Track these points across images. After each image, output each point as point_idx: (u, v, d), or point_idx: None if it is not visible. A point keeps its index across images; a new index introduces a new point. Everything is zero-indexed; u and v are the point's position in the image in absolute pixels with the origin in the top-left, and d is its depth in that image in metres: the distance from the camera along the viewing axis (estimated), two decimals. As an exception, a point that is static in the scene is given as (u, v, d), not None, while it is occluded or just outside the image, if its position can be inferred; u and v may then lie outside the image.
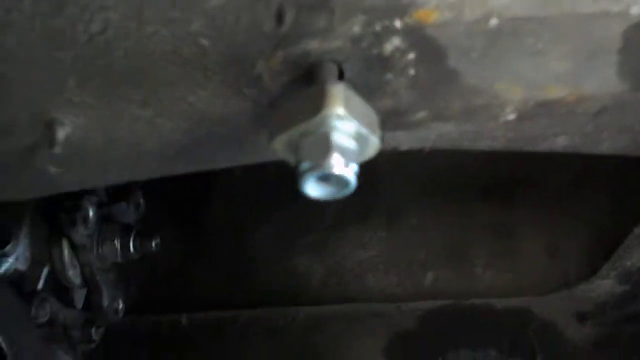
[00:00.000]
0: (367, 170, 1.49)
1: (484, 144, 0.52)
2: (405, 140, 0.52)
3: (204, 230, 1.46)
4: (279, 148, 0.42)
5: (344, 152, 0.38)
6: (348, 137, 0.39)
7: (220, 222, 1.45)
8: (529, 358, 1.35)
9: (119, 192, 1.25)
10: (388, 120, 0.48)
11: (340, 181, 0.39)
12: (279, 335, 1.42)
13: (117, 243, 1.18)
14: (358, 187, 1.45)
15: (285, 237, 1.44)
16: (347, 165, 0.39)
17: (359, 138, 0.40)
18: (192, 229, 1.47)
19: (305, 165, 0.39)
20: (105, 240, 1.17)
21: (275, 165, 1.51)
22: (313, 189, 0.40)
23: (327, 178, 0.39)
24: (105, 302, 1.21)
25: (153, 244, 1.21)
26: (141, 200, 1.29)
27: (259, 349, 1.42)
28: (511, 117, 0.49)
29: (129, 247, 1.17)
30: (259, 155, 0.55)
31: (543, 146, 0.53)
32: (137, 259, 1.20)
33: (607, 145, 0.53)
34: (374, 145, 0.42)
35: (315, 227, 1.43)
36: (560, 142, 0.53)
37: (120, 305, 1.23)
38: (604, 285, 1.33)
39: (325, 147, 0.38)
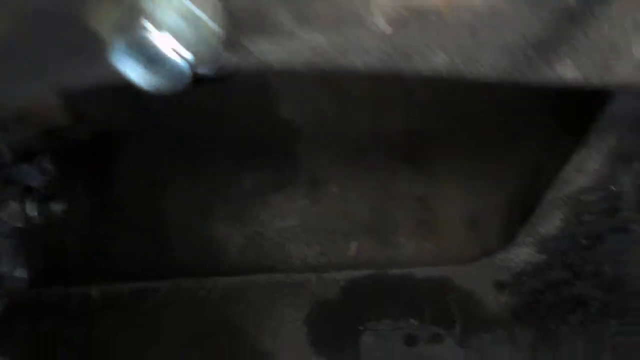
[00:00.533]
0: (288, 137, 1.44)
1: (358, 59, 0.49)
2: (274, 54, 0.48)
3: (118, 197, 1.39)
4: (103, 31, 0.37)
5: (161, 24, 0.34)
6: (170, 9, 0.34)
7: (134, 188, 1.38)
8: (449, 327, 1.35)
9: (26, 154, 1.17)
10: (247, 22, 0.44)
11: (162, 62, 0.35)
12: (196, 307, 1.36)
13: (17, 206, 1.10)
14: (279, 154, 1.39)
15: (203, 204, 1.38)
16: (172, 45, 0.34)
17: (189, 18, 0.35)
18: (105, 195, 1.40)
19: (116, 36, 0.34)
20: (3, 203, 1.09)
21: (190, 126, 1.45)
22: (127, 66, 0.35)
23: (148, 60, 0.35)
24: (4, 269, 1.12)
25: (57, 209, 1.14)
26: (48, 163, 1.21)
27: (175, 321, 1.36)
28: (383, 26, 0.46)
29: (31, 211, 1.10)
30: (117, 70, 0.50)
31: (422, 65, 0.50)
32: (42, 224, 1.13)
33: (489, 66, 0.51)
34: (212, 33, 0.37)
35: (234, 194, 1.38)
36: (440, 61, 0.50)
37: (23, 274, 1.15)
38: (522, 254, 1.33)
39: (134, 13, 0.33)
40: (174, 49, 0.34)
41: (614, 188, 1.12)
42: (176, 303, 1.37)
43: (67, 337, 1.31)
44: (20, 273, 1.14)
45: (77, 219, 1.37)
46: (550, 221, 1.23)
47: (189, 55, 0.35)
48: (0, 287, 1.12)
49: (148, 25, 0.33)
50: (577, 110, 0.98)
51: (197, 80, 0.39)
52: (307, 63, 0.50)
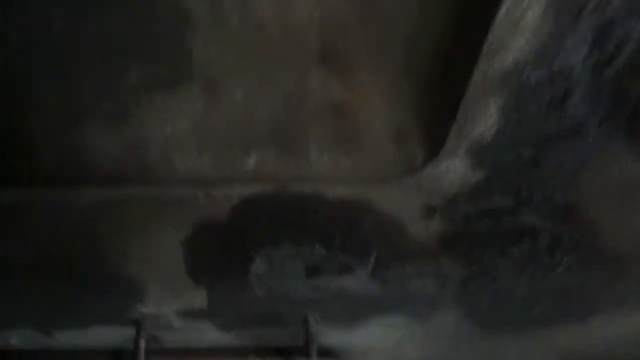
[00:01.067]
0: (180, 24, 1.16)
1: None
2: None
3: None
4: None
5: None
6: None
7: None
8: (363, 255, 1.10)
9: None
10: None
11: None
12: (60, 222, 1.13)
13: None
14: (169, 46, 1.06)
15: (76, 101, 1.15)
16: None
17: None
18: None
19: None
20: None
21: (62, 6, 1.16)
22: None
23: None
24: None
25: None
26: None
27: (35, 237, 1.12)
28: None
29: None
30: None
31: None
32: None
33: None
34: None
35: (113, 90, 1.14)
36: None
37: None
38: (454, 168, 1.09)
39: None
40: None
41: (557, 65, 0.88)
42: (37, 216, 1.13)
43: None
44: None
45: None
46: (482, 117, 0.99)
47: None
48: None
49: None
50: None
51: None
52: None
